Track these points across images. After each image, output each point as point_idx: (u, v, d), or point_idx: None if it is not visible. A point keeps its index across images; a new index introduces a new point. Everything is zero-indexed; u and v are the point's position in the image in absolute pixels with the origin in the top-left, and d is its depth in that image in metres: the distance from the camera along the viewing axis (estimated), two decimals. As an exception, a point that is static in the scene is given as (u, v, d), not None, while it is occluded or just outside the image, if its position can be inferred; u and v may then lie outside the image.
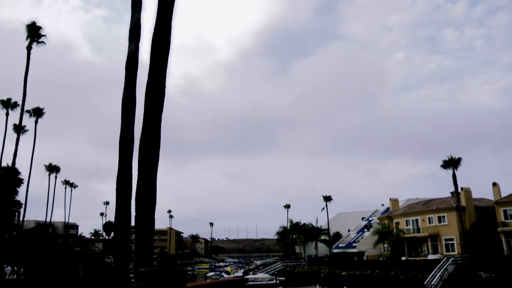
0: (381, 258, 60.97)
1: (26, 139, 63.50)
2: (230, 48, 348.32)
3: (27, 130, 53.45)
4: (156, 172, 10.57)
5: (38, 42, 41.15)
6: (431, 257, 52.63)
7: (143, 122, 10.79)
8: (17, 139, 42.62)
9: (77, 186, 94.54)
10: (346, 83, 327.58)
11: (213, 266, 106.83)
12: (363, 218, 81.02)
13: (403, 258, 56.25)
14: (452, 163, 52.83)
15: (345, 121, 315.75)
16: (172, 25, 11.46)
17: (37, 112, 56.97)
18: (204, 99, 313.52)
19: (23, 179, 49.91)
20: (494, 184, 53.01)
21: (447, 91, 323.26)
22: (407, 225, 60.74)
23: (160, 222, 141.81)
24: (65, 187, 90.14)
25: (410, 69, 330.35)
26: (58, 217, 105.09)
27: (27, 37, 40.53)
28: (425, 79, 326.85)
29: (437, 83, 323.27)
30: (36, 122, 56.54)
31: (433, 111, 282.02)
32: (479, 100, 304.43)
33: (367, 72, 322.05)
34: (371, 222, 74.86)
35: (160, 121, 10.83)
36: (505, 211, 49.60)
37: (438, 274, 42.91)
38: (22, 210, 57.87)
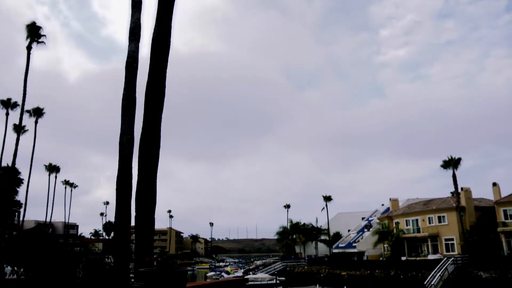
0: (381, 258, 60.97)
1: (26, 139, 63.50)
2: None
3: (27, 130, 53.51)
4: (156, 172, 10.56)
5: (38, 42, 41.16)
6: (431, 257, 52.63)
7: (143, 122, 10.78)
8: (17, 139, 42.63)
9: (77, 186, 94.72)
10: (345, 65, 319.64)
11: (213, 266, 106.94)
12: (363, 218, 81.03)
13: (403, 258, 56.24)
14: (452, 163, 52.83)
15: (345, 117, 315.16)
16: (172, 25, 11.47)
17: (37, 112, 56.97)
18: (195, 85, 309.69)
19: (23, 179, 50.07)
20: (494, 184, 53.03)
21: (457, 71, 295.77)
22: (407, 225, 60.74)
23: (160, 222, 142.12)
24: (65, 187, 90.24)
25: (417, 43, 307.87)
26: (58, 217, 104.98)
27: (27, 37, 40.54)
28: (433, 54, 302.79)
29: (447, 61, 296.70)
30: (36, 122, 56.58)
31: (436, 105, 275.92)
32: (494, 82, 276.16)
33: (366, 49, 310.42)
34: (371, 222, 74.86)
35: (160, 121, 10.82)
36: (505, 211, 49.60)
37: (438, 274, 42.92)
38: (22, 210, 57.94)
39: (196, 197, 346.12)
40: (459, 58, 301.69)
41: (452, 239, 54.38)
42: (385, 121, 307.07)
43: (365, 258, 65.89)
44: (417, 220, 59.54)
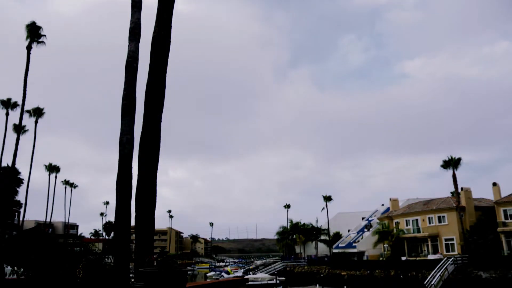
0: (381, 258, 60.99)
1: (26, 139, 63.48)
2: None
3: (27, 130, 53.52)
4: (156, 172, 10.56)
5: (38, 42, 41.17)
6: (431, 257, 52.65)
7: (143, 122, 10.78)
8: (17, 139, 42.59)
9: (77, 186, 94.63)
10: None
11: (213, 266, 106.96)
12: (363, 218, 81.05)
13: (403, 258, 56.26)
14: (452, 163, 52.83)
15: (345, 112, 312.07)
16: (172, 25, 11.47)
17: (37, 112, 56.98)
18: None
19: (23, 179, 50.08)
20: (494, 184, 53.00)
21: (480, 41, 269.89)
22: (407, 225, 60.75)
23: (160, 222, 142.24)
24: (65, 187, 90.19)
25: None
26: (58, 217, 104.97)
27: (27, 37, 40.54)
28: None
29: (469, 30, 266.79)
30: (36, 122, 56.55)
31: (454, 88, 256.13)
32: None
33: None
34: (371, 222, 74.88)
35: (160, 121, 10.83)
36: (505, 211, 49.59)
37: (438, 274, 42.94)
38: (22, 210, 57.93)
39: (196, 197, 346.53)
40: (485, 25, 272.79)
41: (452, 239, 54.38)
42: (392, 109, 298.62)
43: (365, 258, 65.91)
44: (417, 220, 59.54)
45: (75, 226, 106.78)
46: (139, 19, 12.93)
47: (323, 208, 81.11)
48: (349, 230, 79.17)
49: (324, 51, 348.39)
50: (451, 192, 60.54)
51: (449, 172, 53.18)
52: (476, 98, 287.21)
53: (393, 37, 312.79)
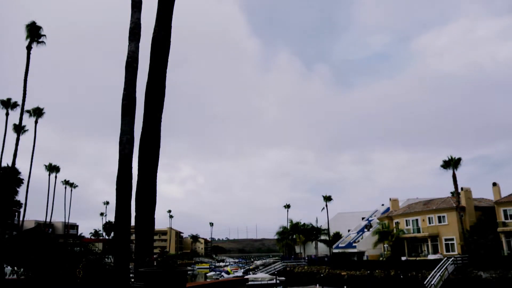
0: (381, 258, 60.99)
1: (26, 139, 63.45)
2: None
3: (27, 130, 53.55)
4: (156, 172, 10.57)
5: (38, 42, 41.18)
6: (431, 257, 52.66)
7: (143, 122, 10.79)
8: (17, 139, 42.59)
9: (77, 186, 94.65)
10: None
11: (213, 266, 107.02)
12: (363, 218, 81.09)
13: (403, 258, 56.26)
14: (452, 163, 52.81)
15: (346, 107, 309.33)
16: (172, 25, 11.48)
17: (37, 112, 57.02)
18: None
19: (23, 179, 50.04)
20: (494, 184, 53.02)
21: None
22: (407, 225, 60.75)
23: (160, 222, 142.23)
24: (65, 187, 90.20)
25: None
26: (58, 217, 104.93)
27: (27, 37, 40.57)
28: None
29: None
30: (36, 122, 56.61)
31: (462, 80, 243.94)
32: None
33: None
34: (371, 222, 74.91)
35: (160, 121, 10.84)
36: (505, 211, 49.61)
37: (438, 274, 42.96)
38: (22, 210, 57.91)
39: (196, 197, 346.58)
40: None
41: (452, 239, 54.38)
42: (395, 104, 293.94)
43: (365, 258, 65.90)
44: (417, 220, 59.55)
45: (75, 226, 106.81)
46: (139, 19, 12.93)
47: (323, 208, 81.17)
48: (349, 230, 79.18)
49: (324, 40, 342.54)
50: (451, 192, 60.56)
51: (450, 172, 53.08)
52: (480, 93, 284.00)
53: (399, 21, 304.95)
